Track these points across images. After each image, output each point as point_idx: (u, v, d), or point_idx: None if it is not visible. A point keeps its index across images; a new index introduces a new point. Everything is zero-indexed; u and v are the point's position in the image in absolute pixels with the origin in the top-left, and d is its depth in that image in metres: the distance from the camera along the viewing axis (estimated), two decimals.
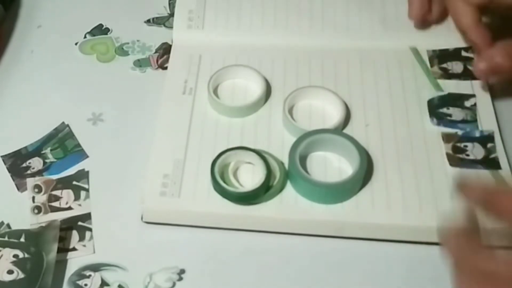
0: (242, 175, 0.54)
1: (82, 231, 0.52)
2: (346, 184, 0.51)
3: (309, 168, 0.54)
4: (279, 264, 0.51)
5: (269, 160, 0.53)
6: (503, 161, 0.54)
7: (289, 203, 0.52)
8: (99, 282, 0.50)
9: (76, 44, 0.66)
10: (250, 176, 0.53)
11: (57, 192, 0.55)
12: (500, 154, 0.55)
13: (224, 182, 0.52)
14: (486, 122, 0.57)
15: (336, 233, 0.52)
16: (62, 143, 0.58)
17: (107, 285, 0.49)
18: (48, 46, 0.66)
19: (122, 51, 0.65)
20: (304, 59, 0.62)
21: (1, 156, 0.57)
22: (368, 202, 0.52)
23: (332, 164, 0.54)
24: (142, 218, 0.53)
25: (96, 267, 0.50)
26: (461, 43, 0.62)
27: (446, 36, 0.63)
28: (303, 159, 0.54)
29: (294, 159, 0.52)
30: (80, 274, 0.50)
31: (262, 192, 0.51)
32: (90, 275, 0.50)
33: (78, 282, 0.50)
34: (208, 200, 0.52)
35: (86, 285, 0.49)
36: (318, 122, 0.57)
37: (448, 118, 0.58)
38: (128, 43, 0.66)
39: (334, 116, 0.57)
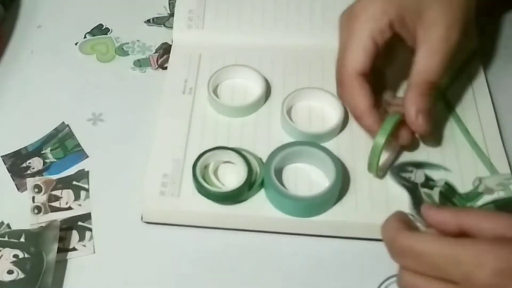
0: (224, 175, 0.54)
1: (82, 231, 0.52)
2: (320, 198, 0.50)
3: (285, 180, 0.53)
4: (279, 264, 0.51)
5: (248, 157, 0.53)
6: (503, 162, 0.55)
7: None
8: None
9: (76, 44, 0.66)
10: (231, 176, 0.53)
11: (57, 192, 0.55)
12: (500, 154, 0.55)
13: (207, 183, 0.52)
14: (486, 120, 0.58)
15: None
16: (62, 143, 0.58)
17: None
18: (48, 46, 0.66)
19: (122, 51, 0.65)
20: (304, 59, 0.62)
21: (1, 156, 0.57)
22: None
23: (309, 177, 0.54)
24: (142, 218, 0.53)
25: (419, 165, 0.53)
26: None
27: None
28: (279, 171, 0.53)
29: (269, 171, 0.51)
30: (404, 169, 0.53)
31: (246, 189, 0.51)
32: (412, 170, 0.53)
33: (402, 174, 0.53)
34: (208, 200, 0.52)
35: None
36: (317, 123, 0.57)
37: None
38: (128, 43, 0.66)
39: (332, 118, 0.56)
